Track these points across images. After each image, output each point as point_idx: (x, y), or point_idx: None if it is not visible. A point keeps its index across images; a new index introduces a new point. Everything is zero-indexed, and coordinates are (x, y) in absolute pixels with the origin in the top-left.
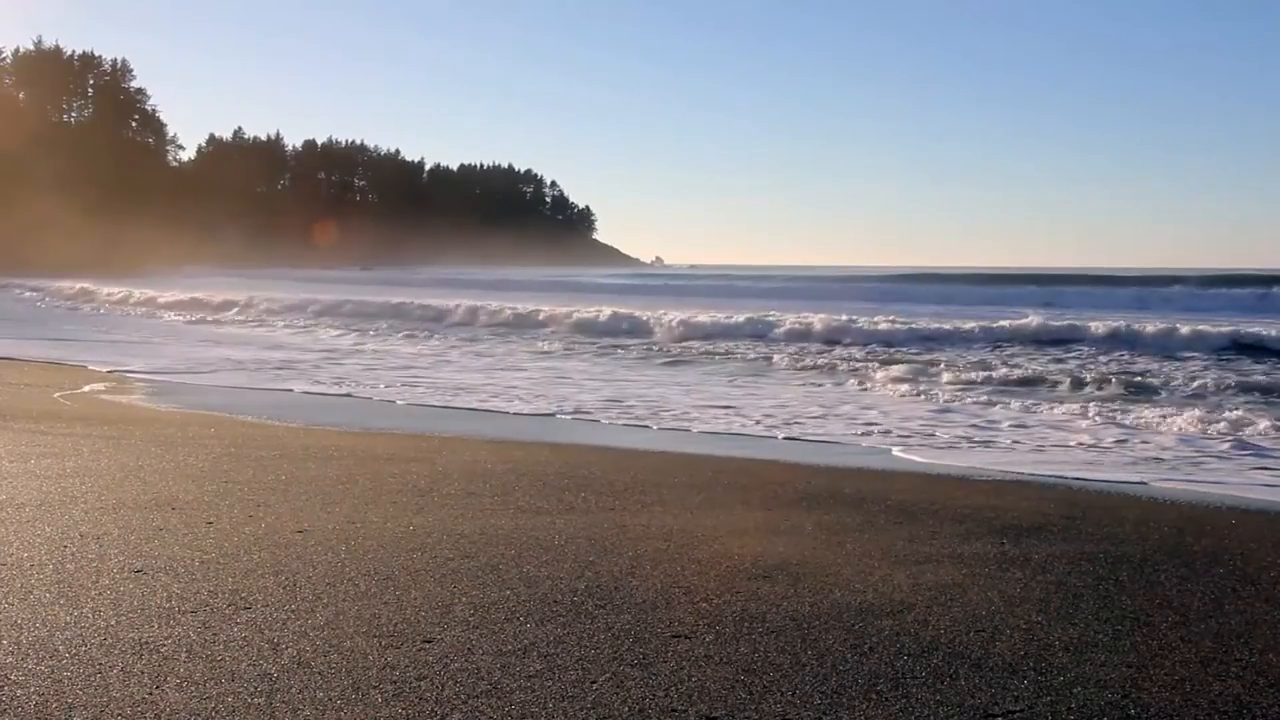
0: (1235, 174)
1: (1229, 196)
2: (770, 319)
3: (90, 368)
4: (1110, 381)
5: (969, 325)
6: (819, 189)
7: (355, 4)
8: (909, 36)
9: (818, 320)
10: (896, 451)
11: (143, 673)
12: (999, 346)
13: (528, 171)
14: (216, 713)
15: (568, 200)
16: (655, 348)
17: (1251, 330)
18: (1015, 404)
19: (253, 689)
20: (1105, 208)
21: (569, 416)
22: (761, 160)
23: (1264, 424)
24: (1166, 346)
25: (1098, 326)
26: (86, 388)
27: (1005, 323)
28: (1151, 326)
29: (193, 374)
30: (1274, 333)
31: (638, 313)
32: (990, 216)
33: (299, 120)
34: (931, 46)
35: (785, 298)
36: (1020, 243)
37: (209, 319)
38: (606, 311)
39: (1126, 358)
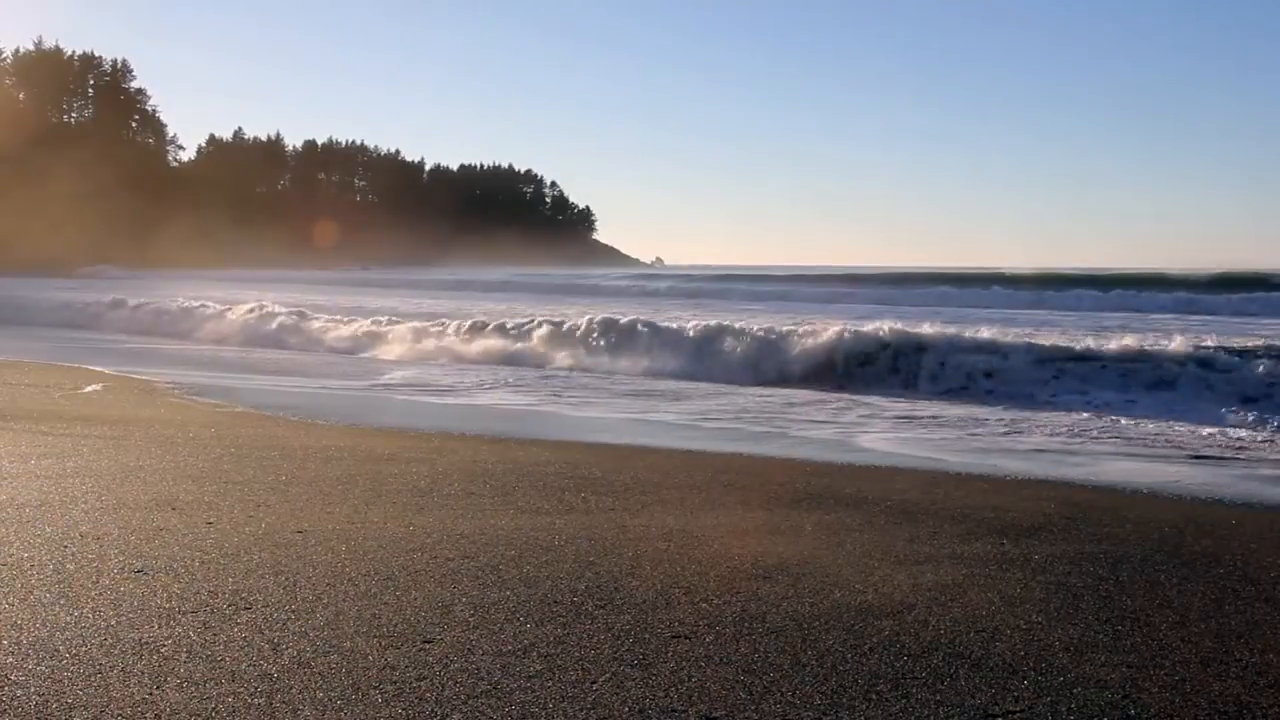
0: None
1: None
2: None
3: (90, 368)
4: None
5: None
6: (822, 188)
7: (355, 4)
8: (912, 35)
9: None
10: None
11: (143, 673)
12: None
13: (528, 172)
14: (217, 713)
15: (568, 201)
16: None
17: None
18: None
19: (253, 689)
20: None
21: None
22: (764, 159)
23: None
24: None
25: None
26: (89, 388)
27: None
28: None
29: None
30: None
31: None
32: (992, 215)
33: (299, 120)
34: (933, 46)
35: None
36: (1026, 243)
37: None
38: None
39: None
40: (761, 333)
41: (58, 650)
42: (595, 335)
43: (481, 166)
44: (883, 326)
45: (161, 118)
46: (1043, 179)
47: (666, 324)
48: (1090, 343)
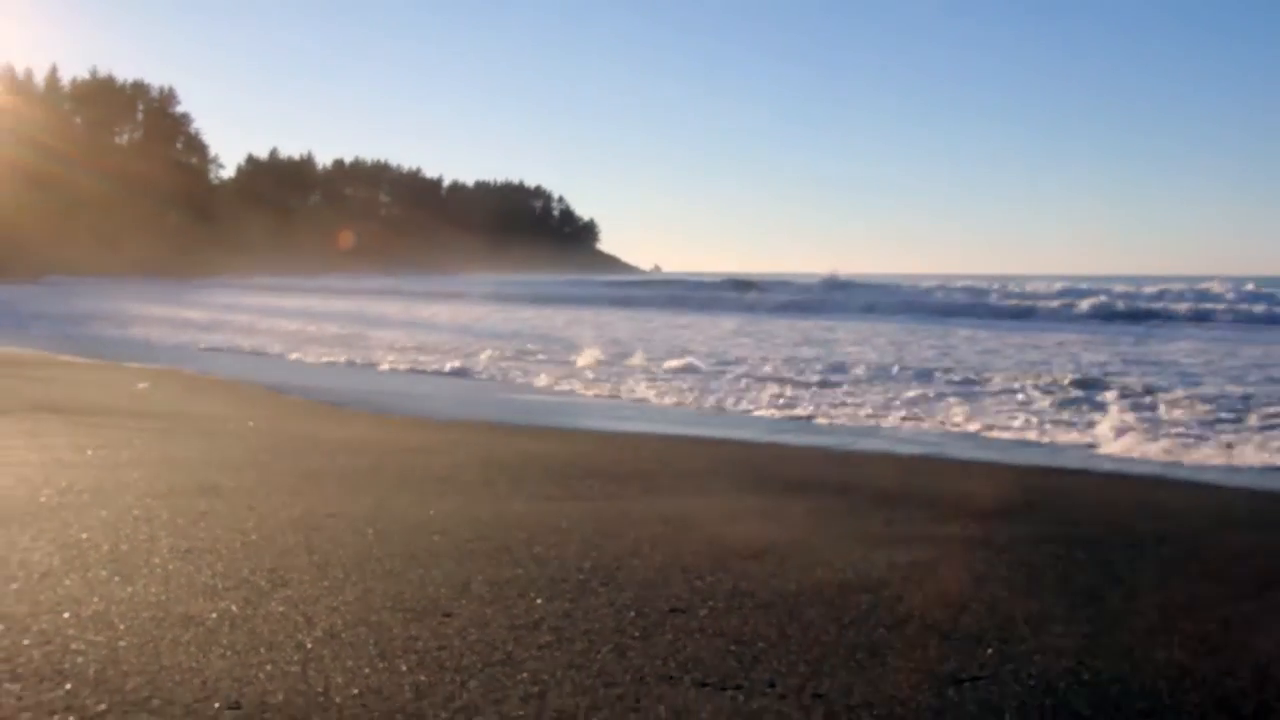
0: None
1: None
2: None
3: (127, 366)
4: None
5: None
6: (821, 194)
7: (380, 37)
8: (912, 43)
9: None
10: None
11: (190, 643)
12: None
13: (537, 187)
14: (256, 679)
15: (574, 214)
16: None
17: None
18: None
19: (289, 658)
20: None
21: None
22: (763, 166)
23: None
24: None
25: None
26: (141, 385)
27: None
28: None
29: None
30: None
31: None
32: (993, 220)
33: (328, 141)
34: (932, 54)
35: None
36: (1038, 248)
37: None
38: None
39: None
40: None
41: (113, 622)
42: None
43: (495, 183)
44: None
45: (204, 139)
46: (1046, 182)
47: None
48: None
